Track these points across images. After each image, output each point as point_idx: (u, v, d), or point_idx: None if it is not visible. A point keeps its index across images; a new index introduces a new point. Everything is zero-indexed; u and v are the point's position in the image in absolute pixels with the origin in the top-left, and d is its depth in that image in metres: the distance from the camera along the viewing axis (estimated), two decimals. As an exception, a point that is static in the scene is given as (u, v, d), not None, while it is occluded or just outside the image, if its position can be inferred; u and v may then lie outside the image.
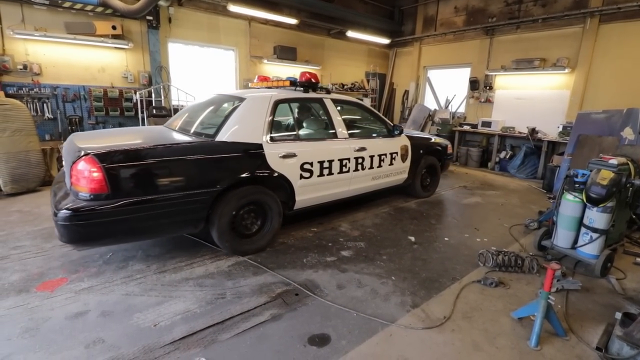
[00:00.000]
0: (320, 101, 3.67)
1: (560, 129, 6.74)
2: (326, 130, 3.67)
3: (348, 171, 3.64)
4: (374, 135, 4.13)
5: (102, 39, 5.84)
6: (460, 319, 2.30)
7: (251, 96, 3.22)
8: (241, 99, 3.16)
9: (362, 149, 3.77)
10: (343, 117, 4.42)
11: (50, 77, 5.74)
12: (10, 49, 5.40)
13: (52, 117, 5.77)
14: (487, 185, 6.21)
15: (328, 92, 3.84)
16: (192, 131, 3.12)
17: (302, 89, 3.62)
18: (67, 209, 2.28)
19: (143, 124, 6.17)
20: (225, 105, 3.40)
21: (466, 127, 8.25)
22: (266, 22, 7.80)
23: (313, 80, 3.68)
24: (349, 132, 3.76)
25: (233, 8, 6.84)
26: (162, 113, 6.06)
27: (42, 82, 5.66)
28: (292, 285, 2.59)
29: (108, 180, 2.32)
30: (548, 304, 2.09)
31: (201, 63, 7.38)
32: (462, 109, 8.97)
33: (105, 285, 2.51)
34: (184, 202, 2.60)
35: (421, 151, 4.61)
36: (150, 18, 6.28)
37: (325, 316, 2.26)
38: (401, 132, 4.22)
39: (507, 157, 7.48)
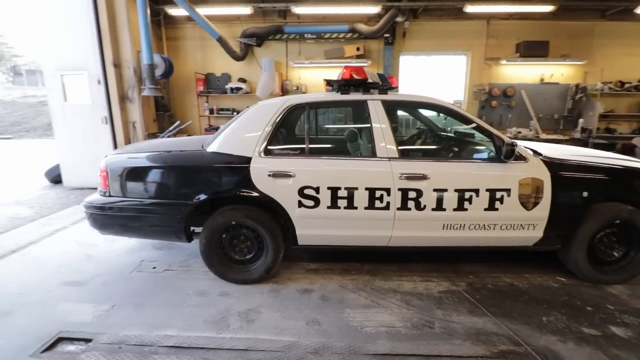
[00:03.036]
0: (362, 104, 2.66)
1: None
2: (359, 144, 2.72)
3: (386, 208, 2.49)
4: (458, 156, 2.78)
5: (348, 59, 6.88)
6: None
7: (262, 101, 2.79)
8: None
9: (419, 176, 2.46)
10: (416, 127, 3.23)
11: (310, 94, 7.38)
12: (290, 75, 7.35)
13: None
14: None
15: (383, 91, 2.71)
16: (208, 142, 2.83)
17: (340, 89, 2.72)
18: (86, 200, 2.78)
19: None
20: None
21: None
22: (509, 16, 6.74)
23: (355, 76, 2.67)
24: (406, 148, 2.64)
25: (470, 9, 6.32)
26: (387, 122, 6.46)
27: (305, 99, 7.35)
28: (523, 348, 1.96)
29: (108, 180, 2.65)
30: None
31: (428, 72, 7.33)
32: None
33: (327, 271, 2.84)
34: (161, 210, 2.60)
35: (586, 193, 2.50)
36: (387, 35, 6.81)
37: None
38: (512, 152, 2.42)
39: None
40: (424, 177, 2.47)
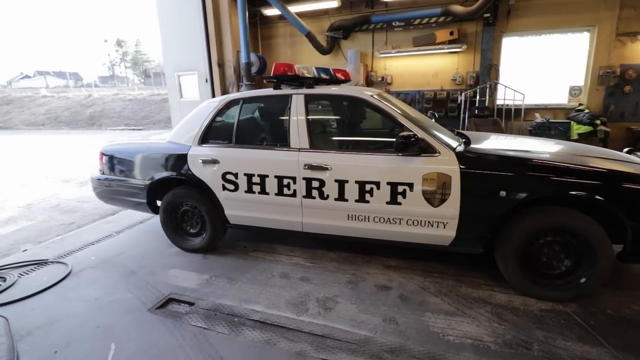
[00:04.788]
0: (285, 98, 2.82)
1: None
2: (277, 136, 3.01)
3: (293, 195, 2.67)
4: (365, 149, 2.77)
5: (440, 46, 6.40)
6: None
7: (210, 99, 3.22)
8: None
9: (321, 167, 2.55)
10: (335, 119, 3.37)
11: (397, 85, 7.11)
12: (375, 66, 7.18)
13: (391, 117, 7.19)
14: None
15: (310, 85, 2.81)
16: None
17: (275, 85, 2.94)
18: (92, 177, 3.55)
19: (463, 125, 6.24)
20: None
21: None
22: (659, -22, 5.34)
23: (285, 71, 2.73)
24: (318, 139, 2.75)
25: (603, -27, 5.20)
26: (484, 113, 5.82)
27: (391, 90, 7.11)
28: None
29: (103, 162, 3.40)
30: None
31: (537, 55, 6.33)
32: None
33: (407, 270, 2.73)
34: (129, 186, 3.24)
35: (503, 192, 2.17)
36: (487, 15, 6.08)
37: None
38: (403, 144, 2.27)
39: None
40: (325, 168, 2.55)
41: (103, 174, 3.45)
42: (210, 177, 2.88)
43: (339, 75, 3.29)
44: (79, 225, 4.05)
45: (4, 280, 2.70)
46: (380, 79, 7.08)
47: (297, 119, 2.71)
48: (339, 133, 3.32)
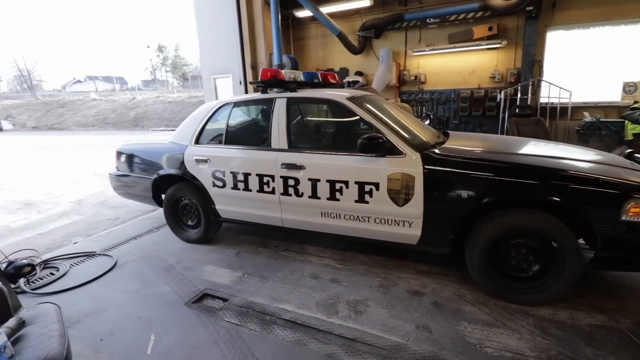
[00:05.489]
0: (270, 102, 2.96)
1: None
2: (261, 137, 3.10)
3: (272, 192, 2.85)
4: (338, 149, 2.73)
5: (477, 42, 6.13)
6: None
7: (207, 103, 3.40)
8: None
9: (296, 166, 2.69)
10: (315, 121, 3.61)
11: (431, 84, 6.91)
12: (408, 64, 7.02)
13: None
14: None
15: (292, 89, 2.96)
16: None
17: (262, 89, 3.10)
18: (110, 173, 3.89)
19: (502, 125, 5.93)
20: None
21: None
22: None
23: (271, 77, 2.92)
24: (297, 140, 2.92)
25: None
26: (526, 112, 5.49)
27: (425, 89, 6.92)
28: None
29: (118, 160, 3.71)
30: None
31: (586, 50, 5.87)
32: None
33: (441, 276, 2.63)
34: (139, 182, 3.55)
35: (465, 194, 2.17)
36: (530, 8, 5.74)
37: None
38: (365, 145, 2.32)
39: None
40: (300, 167, 2.68)
41: (119, 170, 3.78)
42: (202, 174, 3.13)
43: (329, 79, 3.45)
44: (124, 220, 4.32)
45: (57, 270, 2.94)
46: (413, 78, 6.92)
47: (278, 120, 2.87)
48: (316, 134, 3.49)
